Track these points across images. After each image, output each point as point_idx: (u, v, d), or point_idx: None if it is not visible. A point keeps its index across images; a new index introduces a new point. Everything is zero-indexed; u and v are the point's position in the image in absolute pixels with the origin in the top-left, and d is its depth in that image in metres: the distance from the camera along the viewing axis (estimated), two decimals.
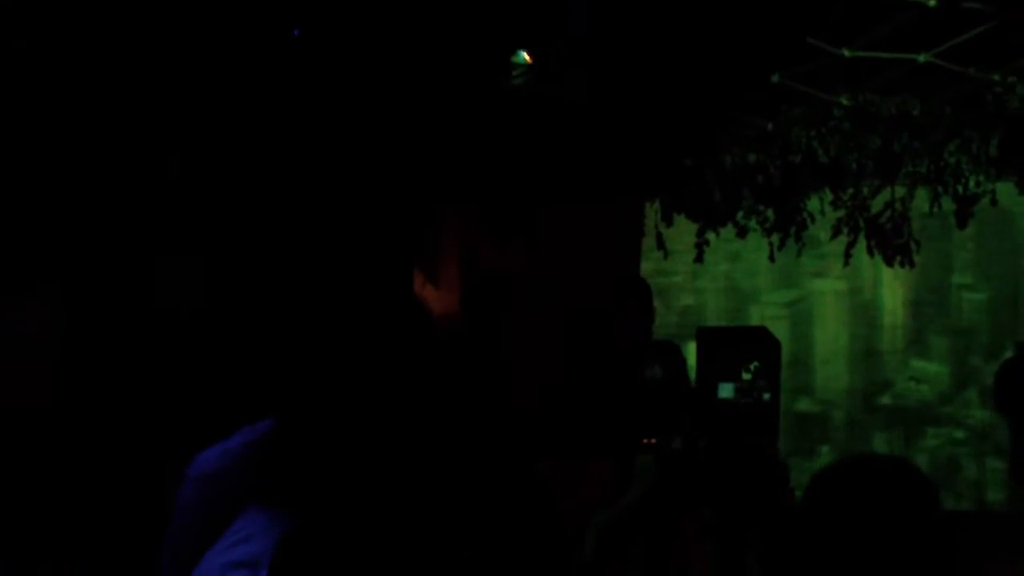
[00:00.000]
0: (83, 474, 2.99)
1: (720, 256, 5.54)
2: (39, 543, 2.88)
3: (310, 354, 2.66)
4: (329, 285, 3.15)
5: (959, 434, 6.62)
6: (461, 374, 2.71)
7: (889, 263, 4.33)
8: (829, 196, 4.30)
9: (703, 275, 6.21)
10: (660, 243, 4.63)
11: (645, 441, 3.46)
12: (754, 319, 6.66)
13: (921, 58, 3.81)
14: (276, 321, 3.19)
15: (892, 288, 6.23)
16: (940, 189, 4.07)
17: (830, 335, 6.66)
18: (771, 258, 4.47)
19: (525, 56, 3.72)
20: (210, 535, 2.17)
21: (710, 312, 6.74)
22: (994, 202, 4.11)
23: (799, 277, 6.35)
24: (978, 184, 4.00)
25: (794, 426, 6.58)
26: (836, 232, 4.36)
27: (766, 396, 3.44)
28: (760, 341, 3.59)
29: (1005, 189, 4.14)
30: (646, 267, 4.80)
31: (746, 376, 3.44)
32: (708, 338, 3.65)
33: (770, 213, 4.36)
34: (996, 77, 3.83)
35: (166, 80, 3.23)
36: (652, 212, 4.63)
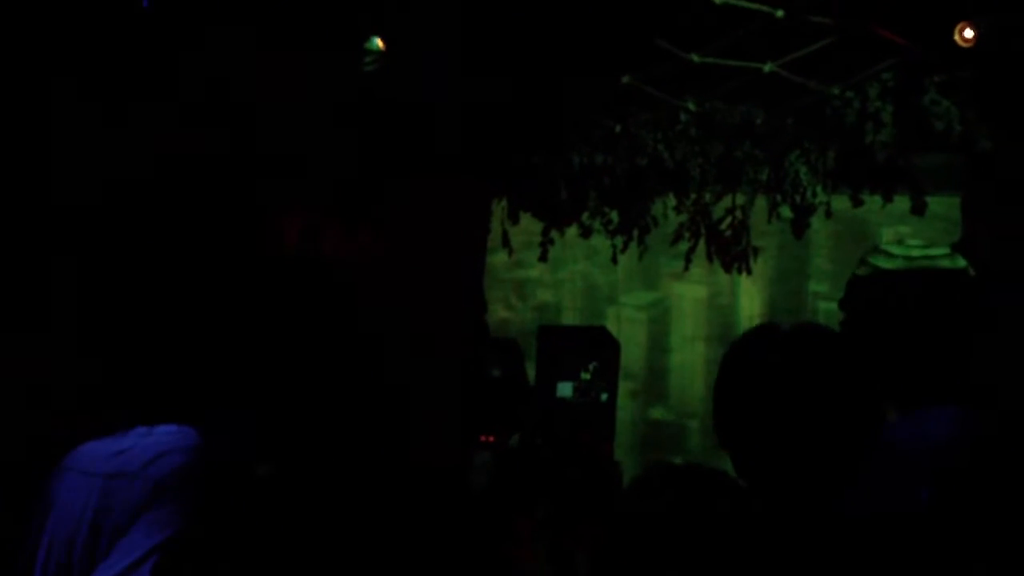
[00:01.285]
0: None
1: (579, 252, 5.48)
2: None
3: (185, 349, 2.57)
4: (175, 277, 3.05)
5: None
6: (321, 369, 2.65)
7: (727, 270, 4.41)
8: (673, 201, 4.36)
9: (561, 270, 6.18)
10: (506, 240, 4.61)
11: (483, 438, 3.44)
12: (611, 319, 6.67)
13: (766, 68, 3.89)
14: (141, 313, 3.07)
15: (750, 295, 6.33)
16: (779, 198, 4.16)
17: (687, 341, 6.69)
18: (613, 260, 4.50)
19: (379, 43, 3.66)
20: (101, 541, 2.06)
21: (567, 310, 6.70)
22: (829, 214, 4.21)
23: (658, 279, 6.38)
24: (814, 195, 4.10)
25: (648, 435, 6.58)
26: (678, 237, 4.41)
27: (604, 396, 3.46)
28: (600, 342, 3.61)
29: (840, 202, 4.25)
30: (502, 260, 4.77)
31: (585, 376, 3.46)
32: (549, 337, 3.66)
33: (614, 215, 4.38)
34: (835, 91, 3.94)
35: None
36: (499, 209, 4.61)
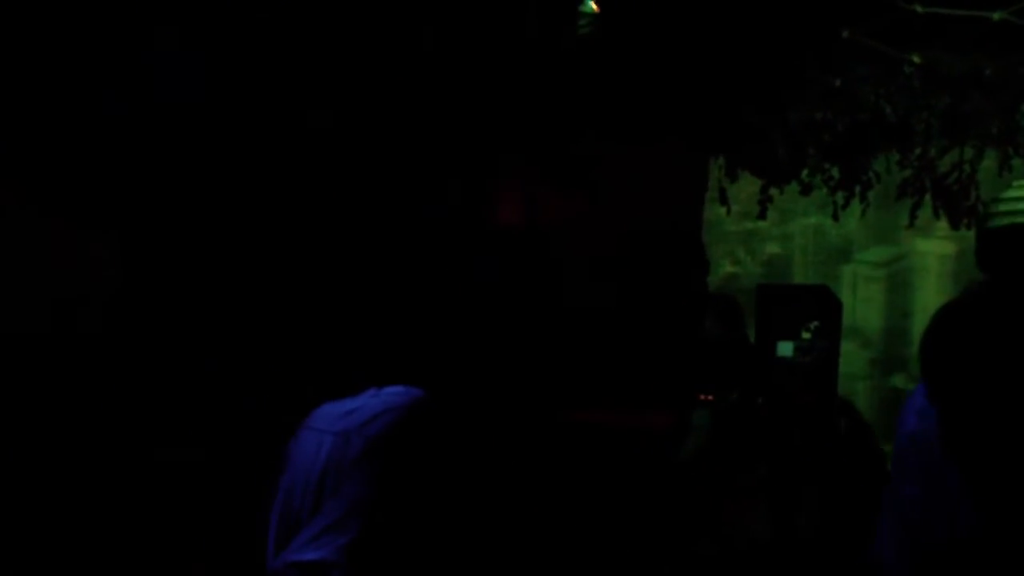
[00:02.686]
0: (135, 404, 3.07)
1: (809, 203, 4.98)
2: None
3: (406, 314, 2.71)
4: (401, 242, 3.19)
5: None
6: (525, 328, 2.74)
7: (955, 226, 4.27)
8: (896, 156, 4.24)
9: (790, 222, 5.82)
10: (724, 198, 4.60)
11: (702, 396, 3.47)
12: (845, 277, 6.19)
13: (995, 16, 3.72)
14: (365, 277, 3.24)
15: None
16: (1011, 151, 3.99)
17: (931, 302, 6.06)
18: (835, 217, 4.43)
19: (592, 5, 3.70)
20: (324, 494, 2.23)
21: (797, 266, 6.25)
22: None
23: (897, 233, 5.80)
24: None
25: (888, 404, 6.03)
26: (902, 193, 4.30)
27: (825, 356, 3.42)
28: (821, 300, 3.56)
29: None
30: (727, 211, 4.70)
31: (806, 335, 3.43)
32: (768, 295, 3.64)
33: (835, 171, 4.31)
34: None
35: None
36: (716, 167, 4.61)
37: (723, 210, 4.65)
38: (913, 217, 4.29)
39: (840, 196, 4.36)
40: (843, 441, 3.24)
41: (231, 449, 2.95)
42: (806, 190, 4.42)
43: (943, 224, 4.39)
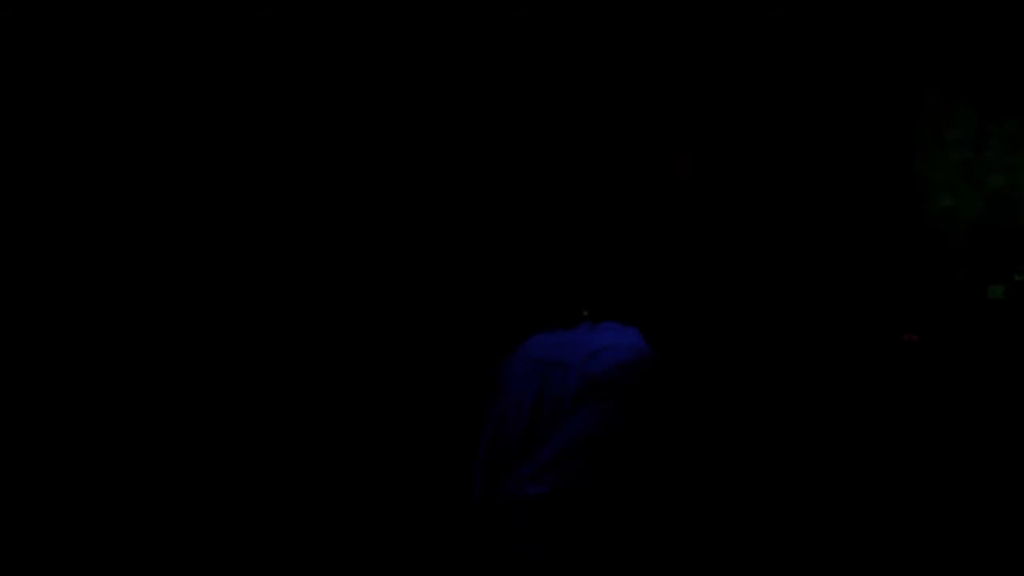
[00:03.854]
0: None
1: None
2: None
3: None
4: None
5: None
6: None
7: None
8: None
9: (1019, 152, 5.35)
10: (937, 130, 4.37)
11: (906, 337, 3.35)
12: None
13: None
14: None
15: None
16: None
17: None
18: None
19: None
20: (538, 425, 2.28)
21: None
22: None
23: None
24: None
25: None
26: None
27: None
28: None
29: None
30: (947, 139, 4.49)
31: (1018, 278, 3.26)
32: (980, 235, 3.46)
33: None
34: None
35: None
36: (929, 95, 4.37)
37: (937, 141, 4.42)
38: None
39: None
40: None
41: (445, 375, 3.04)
42: None
43: None
